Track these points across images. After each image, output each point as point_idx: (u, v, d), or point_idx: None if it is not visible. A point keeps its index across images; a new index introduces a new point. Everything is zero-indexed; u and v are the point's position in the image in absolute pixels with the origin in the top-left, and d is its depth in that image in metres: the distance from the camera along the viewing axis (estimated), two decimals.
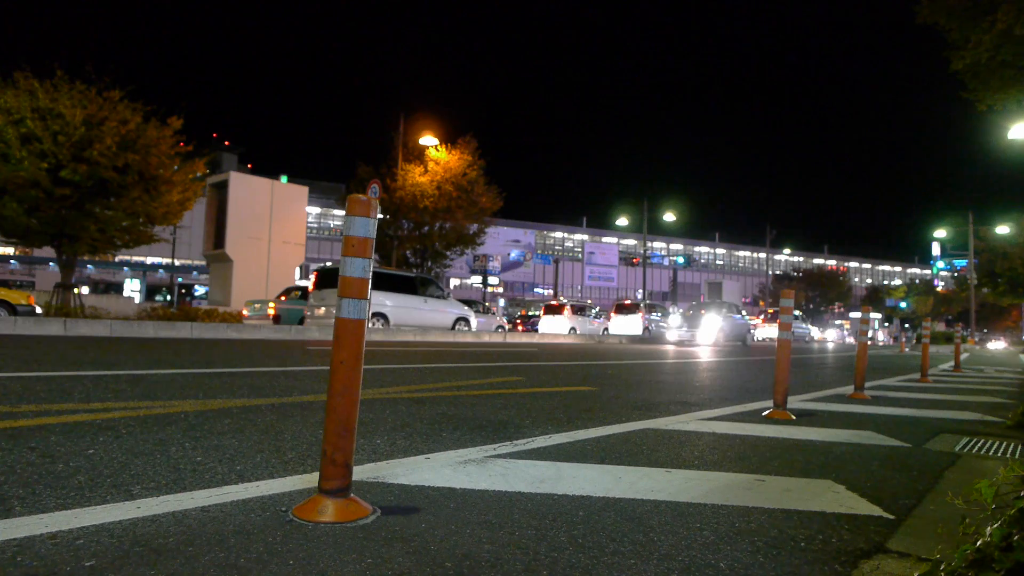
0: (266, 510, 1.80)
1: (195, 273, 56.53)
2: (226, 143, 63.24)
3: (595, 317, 27.27)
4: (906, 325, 57.33)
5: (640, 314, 26.12)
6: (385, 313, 15.20)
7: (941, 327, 47.14)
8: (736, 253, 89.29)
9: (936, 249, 59.65)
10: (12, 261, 50.47)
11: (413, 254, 28.13)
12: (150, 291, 52.46)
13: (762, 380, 7.28)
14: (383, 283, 15.38)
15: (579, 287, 75.79)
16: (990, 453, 3.29)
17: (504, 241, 70.07)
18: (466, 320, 17.42)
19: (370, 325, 14.46)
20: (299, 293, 17.37)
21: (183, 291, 48.33)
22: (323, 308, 15.07)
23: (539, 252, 75.09)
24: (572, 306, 26.68)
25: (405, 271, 18.93)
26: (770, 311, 34.88)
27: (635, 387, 5.84)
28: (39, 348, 7.43)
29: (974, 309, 39.58)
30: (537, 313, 32.77)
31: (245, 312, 17.33)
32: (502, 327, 19.07)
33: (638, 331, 25.57)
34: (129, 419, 3.06)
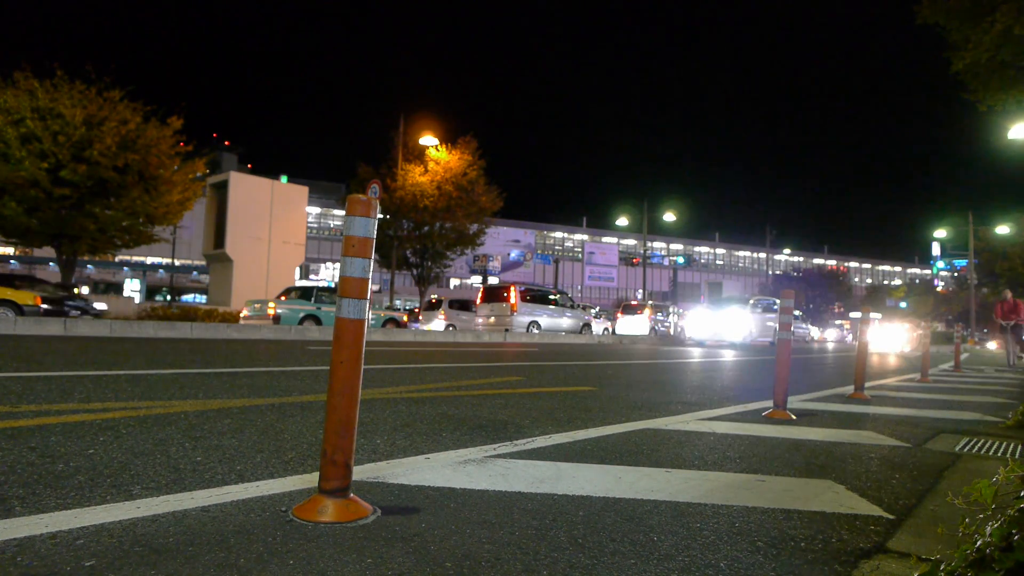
0: (266, 510, 1.80)
1: (195, 273, 56.44)
2: (226, 143, 63.41)
3: (595, 317, 27.30)
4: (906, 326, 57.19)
5: (647, 314, 26.35)
6: (538, 321, 19.71)
7: (941, 327, 47.11)
8: (736, 253, 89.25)
9: (936, 249, 59.61)
10: (12, 261, 50.47)
11: (413, 254, 28.13)
12: (150, 291, 52.47)
13: (762, 380, 7.28)
14: (538, 300, 20.39)
15: (579, 287, 75.70)
16: (990, 453, 3.29)
17: (504, 241, 70.03)
18: (589, 325, 21.53)
19: (531, 331, 19.06)
20: (299, 293, 17.31)
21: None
22: (493, 318, 19.24)
23: (539, 252, 75.01)
24: None
25: (551, 291, 22.23)
26: None
27: (635, 387, 5.84)
28: (39, 348, 7.43)
29: (974, 309, 39.57)
30: None
31: (245, 312, 17.30)
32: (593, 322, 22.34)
33: (645, 331, 25.70)
34: (129, 419, 3.06)
